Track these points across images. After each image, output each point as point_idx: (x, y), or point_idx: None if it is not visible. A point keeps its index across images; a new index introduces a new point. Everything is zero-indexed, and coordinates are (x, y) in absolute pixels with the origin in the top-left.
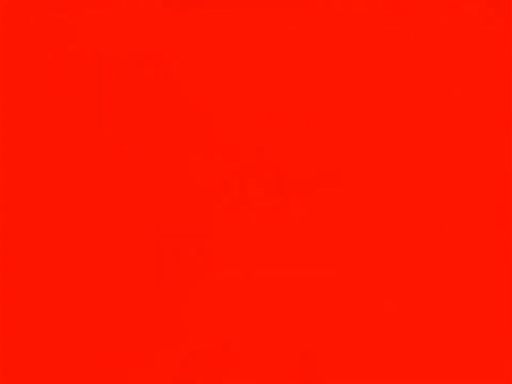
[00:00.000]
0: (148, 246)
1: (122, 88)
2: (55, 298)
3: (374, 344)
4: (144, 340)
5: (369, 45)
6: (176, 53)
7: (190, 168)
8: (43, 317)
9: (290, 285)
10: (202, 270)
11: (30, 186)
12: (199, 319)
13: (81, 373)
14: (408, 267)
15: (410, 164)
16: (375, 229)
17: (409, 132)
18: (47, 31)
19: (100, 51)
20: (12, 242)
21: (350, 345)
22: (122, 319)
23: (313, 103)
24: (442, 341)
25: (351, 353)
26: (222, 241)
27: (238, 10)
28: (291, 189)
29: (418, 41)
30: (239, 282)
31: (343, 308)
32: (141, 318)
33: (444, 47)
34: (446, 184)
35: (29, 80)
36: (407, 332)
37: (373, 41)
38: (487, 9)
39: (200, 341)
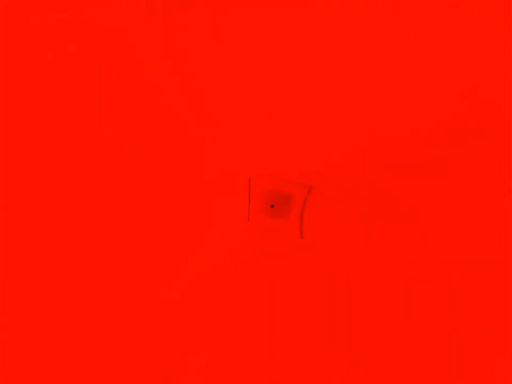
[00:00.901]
0: (147, 246)
1: (122, 88)
2: (58, 299)
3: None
4: (142, 340)
5: (369, 45)
6: (176, 53)
7: (189, 167)
8: (52, 320)
9: None
10: (201, 270)
11: (30, 185)
12: None
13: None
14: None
15: (411, 165)
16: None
17: (409, 132)
18: (47, 31)
19: (100, 51)
20: (12, 242)
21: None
22: (121, 319)
23: (312, 103)
24: (441, 340)
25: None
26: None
27: (238, 10)
28: (291, 190)
29: (418, 41)
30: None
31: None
32: (138, 317)
33: (444, 47)
34: (445, 186)
35: (29, 80)
36: (405, 329)
37: (373, 41)
38: (487, 9)
39: None
